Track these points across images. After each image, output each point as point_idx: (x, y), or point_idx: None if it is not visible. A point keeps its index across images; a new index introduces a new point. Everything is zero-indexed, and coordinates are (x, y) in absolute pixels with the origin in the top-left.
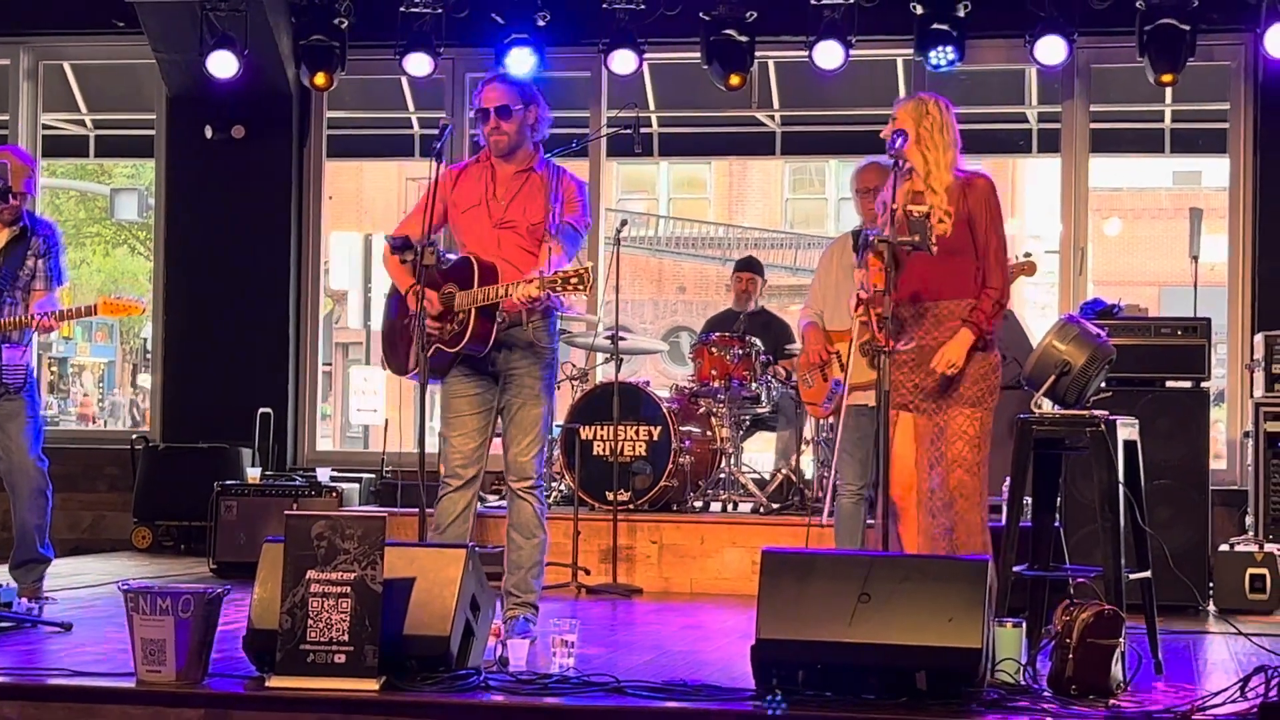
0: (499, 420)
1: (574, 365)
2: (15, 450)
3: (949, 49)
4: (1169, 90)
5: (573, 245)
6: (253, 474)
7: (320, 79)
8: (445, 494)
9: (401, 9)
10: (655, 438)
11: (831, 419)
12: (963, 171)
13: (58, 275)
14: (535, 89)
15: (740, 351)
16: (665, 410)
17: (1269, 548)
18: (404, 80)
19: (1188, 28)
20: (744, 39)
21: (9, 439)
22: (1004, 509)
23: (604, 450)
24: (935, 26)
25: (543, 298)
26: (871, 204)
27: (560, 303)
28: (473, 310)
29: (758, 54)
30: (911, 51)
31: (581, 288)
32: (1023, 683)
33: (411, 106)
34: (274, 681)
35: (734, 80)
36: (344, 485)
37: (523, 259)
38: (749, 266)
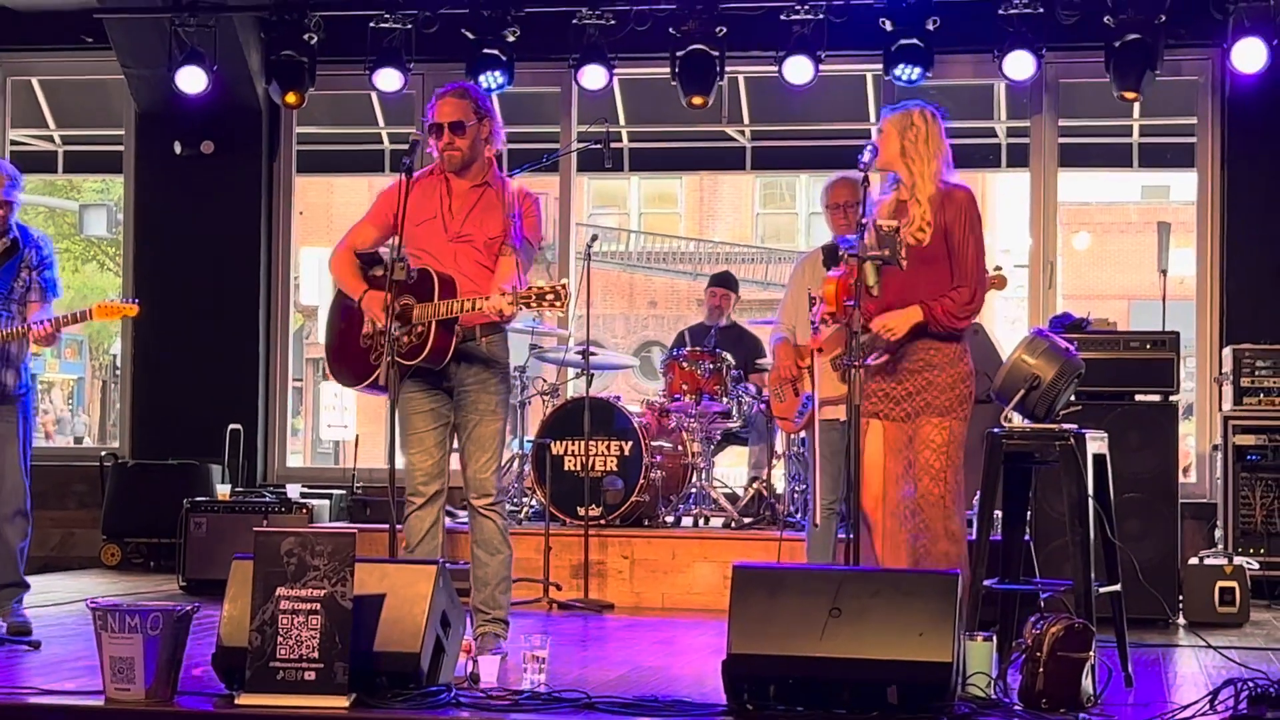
0: (455, 436)
1: (545, 380)
2: (9, 468)
3: (918, 64)
4: (1137, 105)
5: (529, 260)
6: (222, 490)
7: (291, 97)
8: (410, 512)
9: (371, 24)
10: (626, 453)
11: (803, 434)
12: (945, 183)
13: (52, 287)
14: (489, 102)
15: (711, 366)
16: (636, 425)
17: (1238, 561)
18: (374, 96)
19: (1155, 43)
20: (714, 54)
21: (3, 454)
22: (974, 523)
23: (575, 465)
24: (904, 42)
25: (514, 313)
26: (842, 219)
27: (540, 322)
28: (433, 323)
29: (728, 69)
30: (881, 67)
31: (557, 304)
32: (993, 697)
33: (381, 122)
34: (244, 699)
35: (696, 100)
36: (314, 501)
37: (478, 273)
38: (723, 282)
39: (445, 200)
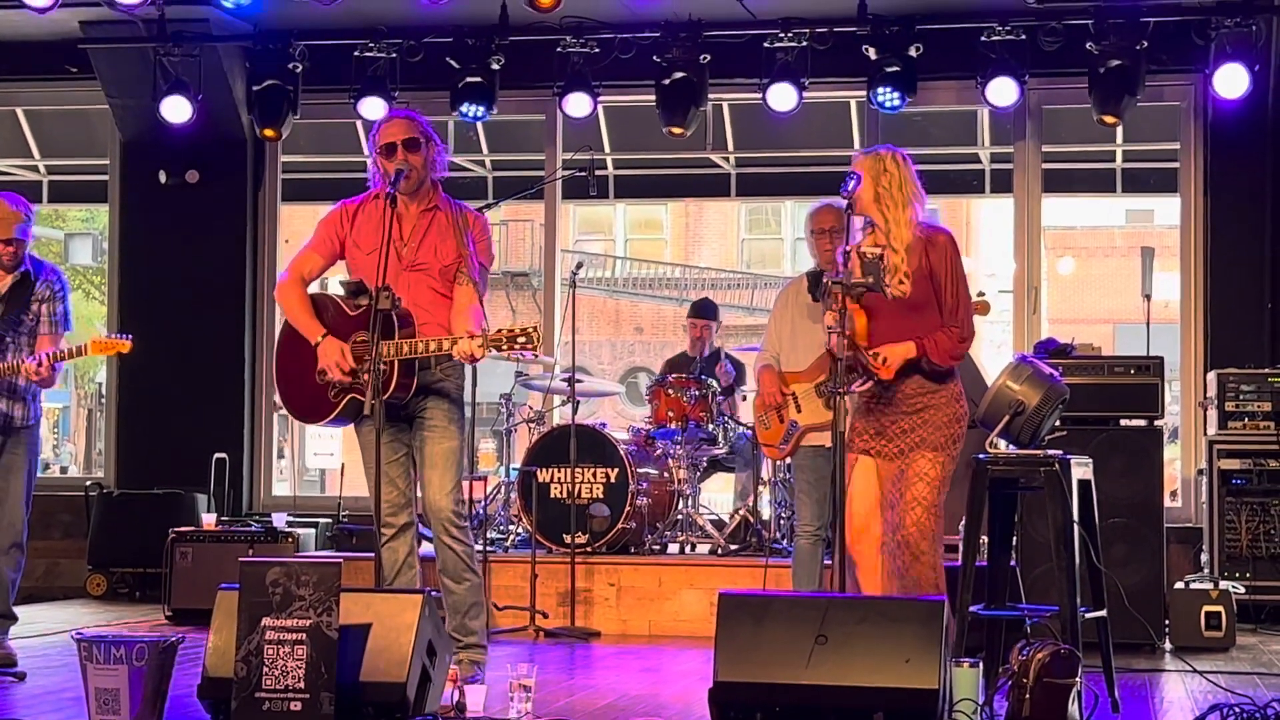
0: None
1: (531, 408)
2: (11, 500)
3: (901, 91)
4: (1120, 130)
5: (486, 286)
6: (208, 520)
7: (269, 132)
8: (383, 544)
9: (356, 54)
10: (613, 480)
11: (789, 460)
12: (925, 225)
13: (65, 321)
14: (431, 127)
15: (697, 393)
16: (622, 452)
17: (1224, 585)
18: (359, 124)
19: (1137, 69)
20: (698, 81)
21: (6, 486)
22: (960, 548)
23: (561, 493)
24: (887, 69)
25: (485, 356)
26: (827, 244)
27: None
28: (396, 362)
29: (711, 96)
30: (864, 93)
31: (530, 347)
32: None
33: (366, 151)
34: None
35: (675, 130)
36: (300, 530)
37: (433, 301)
38: (701, 312)
39: (396, 227)
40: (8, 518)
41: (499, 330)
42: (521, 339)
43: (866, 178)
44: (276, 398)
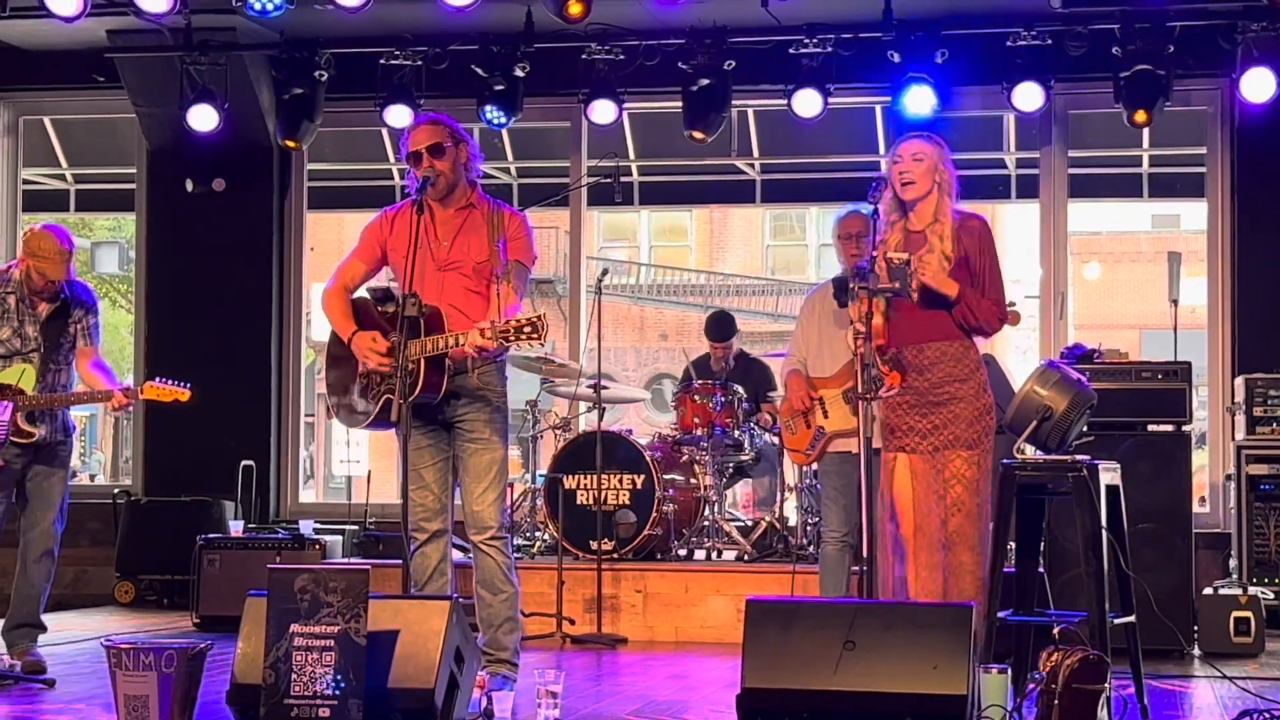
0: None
1: (557, 414)
2: (44, 509)
3: (927, 96)
4: (1146, 135)
5: (523, 283)
6: (235, 527)
7: (290, 143)
8: (415, 550)
9: (381, 61)
10: (639, 486)
11: (815, 465)
12: (958, 212)
13: (96, 332)
14: (463, 130)
15: (723, 399)
16: (648, 458)
17: (1253, 591)
18: (384, 132)
19: (1164, 73)
20: (722, 88)
21: (42, 497)
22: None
23: (587, 499)
24: (913, 74)
25: (494, 349)
26: (854, 249)
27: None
28: (422, 360)
29: (736, 103)
30: (890, 99)
31: (535, 337)
32: None
33: (392, 158)
34: None
35: (697, 135)
36: (327, 537)
37: (468, 301)
38: (718, 335)
39: (430, 229)
40: (41, 525)
41: (506, 322)
42: (527, 329)
43: (930, 160)
44: (320, 403)
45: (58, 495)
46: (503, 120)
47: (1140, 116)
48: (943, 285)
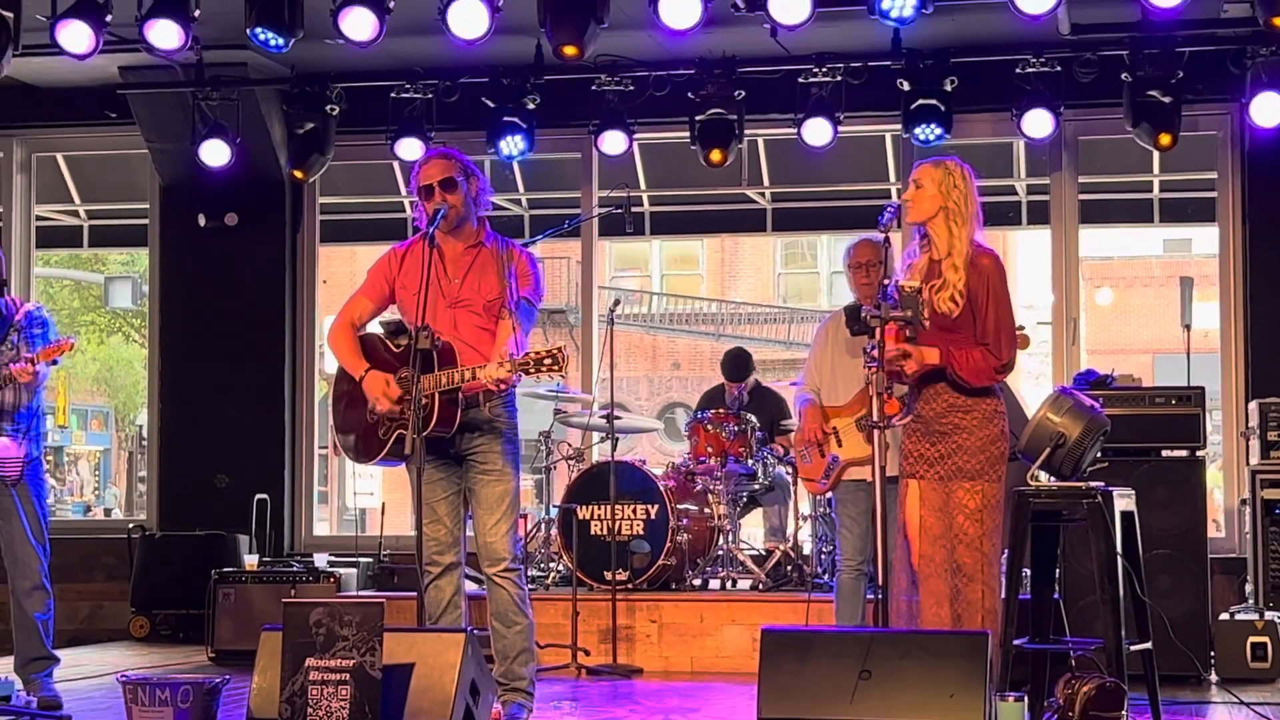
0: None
1: (570, 445)
2: (16, 541)
3: (936, 124)
4: (1157, 160)
5: (530, 321)
6: (250, 561)
7: (298, 174)
8: (428, 584)
9: (393, 95)
10: (653, 516)
11: (830, 495)
12: (975, 246)
13: (32, 343)
14: (474, 164)
15: (736, 428)
16: (662, 488)
17: (1269, 616)
18: (395, 165)
19: (1174, 99)
20: (733, 118)
21: (10, 529)
22: (1003, 582)
23: (601, 530)
24: (922, 102)
25: (513, 380)
26: (864, 278)
27: (564, 386)
28: (435, 394)
29: (747, 132)
30: (899, 127)
31: (556, 369)
32: None
33: (403, 191)
34: None
35: (715, 156)
36: (342, 570)
37: (479, 337)
38: (734, 376)
39: (439, 265)
40: (20, 559)
41: (525, 354)
42: (548, 361)
43: (931, 187)
44: (331, 437)
45: (25, 527)
46: (517, 153)
47: (1165, 139)
48: (926, 357)
